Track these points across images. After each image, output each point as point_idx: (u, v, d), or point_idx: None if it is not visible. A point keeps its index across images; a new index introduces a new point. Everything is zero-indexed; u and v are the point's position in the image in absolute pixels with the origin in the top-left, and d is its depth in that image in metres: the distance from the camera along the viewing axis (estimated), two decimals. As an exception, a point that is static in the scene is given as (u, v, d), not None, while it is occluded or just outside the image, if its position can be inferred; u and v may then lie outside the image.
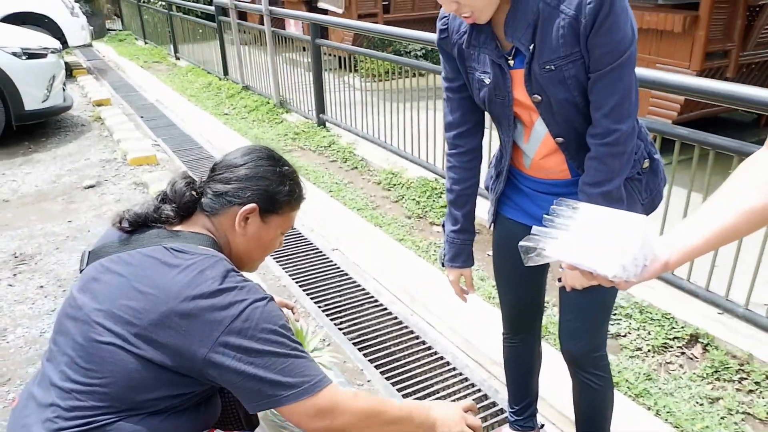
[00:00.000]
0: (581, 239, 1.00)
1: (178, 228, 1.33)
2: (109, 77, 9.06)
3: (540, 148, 1.48)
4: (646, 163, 1.48)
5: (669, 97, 4.70)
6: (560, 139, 1.42)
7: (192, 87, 7.99)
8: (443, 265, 1.73)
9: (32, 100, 5.55)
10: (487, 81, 1.42)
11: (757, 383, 2.17)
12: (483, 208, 1.70)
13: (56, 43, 6.19)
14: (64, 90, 6.14)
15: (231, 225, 1.35)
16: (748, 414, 2.07)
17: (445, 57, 1.52)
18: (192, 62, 9.37)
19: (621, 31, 1.25)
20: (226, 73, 8.01)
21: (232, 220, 1.35)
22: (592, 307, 1.57)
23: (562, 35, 1.27)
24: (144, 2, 12.16)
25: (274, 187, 1.38)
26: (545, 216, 1.08)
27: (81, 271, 1.35)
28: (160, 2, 11.43)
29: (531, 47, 1.31)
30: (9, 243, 3.58)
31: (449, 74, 1.53)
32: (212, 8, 8.26)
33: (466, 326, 2.62)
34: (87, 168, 4.92)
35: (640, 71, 2.52)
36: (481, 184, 1.72)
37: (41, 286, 3.08)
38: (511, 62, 1.37)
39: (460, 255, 1.68)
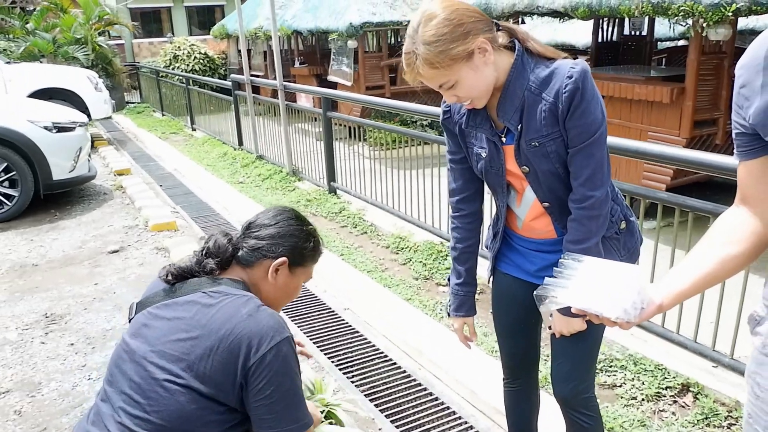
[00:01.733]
0: (587, 287, 1.19)
1: (219, 275, 1.56)
2: (128, 148, 9.51)
3: (530, 211, 1.72)
4: (623, 224, 1.71)
5: (661, 165, 4.98)
6: (546, 204, 1.66)
7: (208, 157, 8.38)
8: (449, 315, 1.94)
9: (60, 170, 5.90)
10: (484, 155, 1.67)
11: (743, 428, 2.32)
12: (485, 268, 1.92)
13: (84, 117, 6.61)
14: (89, 161, 6.52)
15: (263, 275, 1.58)
16: (736, 457, 2.21)
17: (448, 134, 1.79)
18: (208, 133, 9.84)
19: (592, 115, 1.51)
20: (240, 143, 8.43)
21: (265, 272, 1.57)
22: (579, 352, 1.77)
23: (544, 117, 1.53)
24: (162, 76, 12.84)
25: (302, 244, 1.62)
26: (555, 269, 1.29)
27: (130, 320, 1.58)
28: (177, 77, 12.09)
29: (519, 127, 1.57)
30: (40, 304, 3.80)
31: (452, 148, 1.79)
32: (228, 83, 8.77)
33: (471, 378, 2.79)
34: (111, 234, 5.20)
35: (629, 143, 2.80)
36: (482, 244, 1.96)
37: (71, 344, 3.28)
38: (504, 139, 1.63)
39: (463, 305, 1.90)
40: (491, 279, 1.94)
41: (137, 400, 1.40)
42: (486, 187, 1.85)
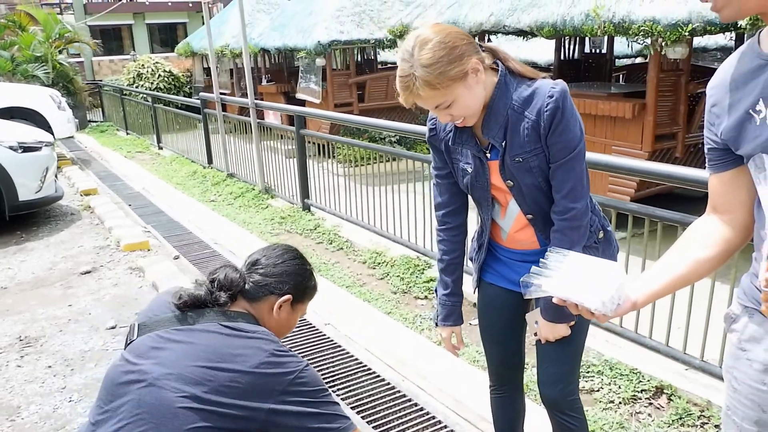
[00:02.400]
0: (570, 279, 1.26)
1: (227, 308, 1.61)
2: (93, 168, 9.36)
3: (514, 223, 1.81)
4: (601, 234, 1.81)
5: (625, 178, 5.17)
6: (530, 216, 1.75)
7: (177, 175, 8.32)
8: (437, 325, 2.00)
9: (26, 191, 5.80)
10: (470, 170, 1.76)
11: (716, 426, 2.44)
12: (466, 283, 1.99)
13: (50, 137, 6.52)
14: (55, 181, 6.41)
15: (268, 310, 1.66)
16: (710, 454, 2.33)
17: (434, 150, 1.86)
18: (175, 152, 9.76)
19: (571, 132, 1.61)
20: (210, 161, 8.39)
21: (270, 307, 1.65)
22: (564, 356, 1.85)
23: (527, 134, 1.63)
24: (126, 95, 12.69)
25: (305, 282, 1.73)
26: (541, 260, 1.34)
27: (129, 341, 1.57)
28: (142, 95, 11.97)
29: (503, 143, 1.66)
30: (12, 327, 3.73)
31: (438, 164, 1.87)
32: (196, 101, 8.75)
33: (454, 388, 2.86)
34: (81, 255, 5.12)
35: (598, 157, 2.93)
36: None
37: (49, 366, 3.23)
38: (488, 155, 1.72)
39: (451, 315, 1.96)
40: (476, 290, 2.02)
41: (146, 420, 1.40)
42: (471, 201, 1.93)
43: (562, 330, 1.77)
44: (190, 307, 1.58)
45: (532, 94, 1.61)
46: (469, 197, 1.90)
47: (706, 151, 1.28)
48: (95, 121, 15.26)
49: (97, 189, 7.52)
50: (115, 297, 4.17)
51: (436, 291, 2.00)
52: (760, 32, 1.15)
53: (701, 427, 2.47)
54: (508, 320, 1.96)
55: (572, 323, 1.76)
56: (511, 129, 1.64)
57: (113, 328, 3.69)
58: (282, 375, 1.45)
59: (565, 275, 1.27)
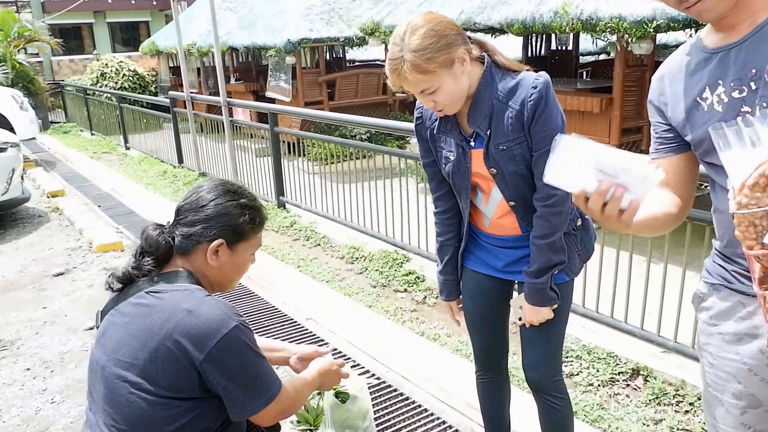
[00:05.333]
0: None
1: (159, 271, 1.54)
2: (59, 169, 9.15)
3: (497, 210, 1.87)
4: (579, 222, 1.88)
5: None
6: (512, 203, 1.81)
7: (147, 176, 8.20)
8: (443, 301, 2.10)
9: (-7, 193, 5.66)
10: (452, 158, 1.81)
11: (691, 404, 2.55)
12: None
13: (15, 137, 6.37)
14: (22, 182, 6.27)
15: (204, 260, 1.54)
16: (687, 430, 2.43)
17: (419, 139, 1.92)
18: (144, 152, 9.62)
19: (553, 121, 1.67)
20: (180, 161, 8.30)
21: (204, 256, 1.53)
22: (546, 339, 1.92)
23: (511, 123, 1.69)
24: (91, 95, 12.43)
25: (236, 221, 1.55)
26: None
27: (98, 328, 1.57)
28: (106, 95, 11.74)
29: (488, 132, 1.72)
30: (-14, 331, 3.65)
31: (423, 152, 1.92)
32: (164, 100, 8.63)
33: (440, 376, 2.92)
34: (53, 257, 5.03)
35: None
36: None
37: (28, 369, 3.18)
38: (472, 143, 1.77)
39: (443, 290, 2.06)
40: (460, 277, 2.07)
41: (107, 409, 1.43)
42: None
43: (546, 313, 1.84)
44: (125, 284, 1.53)
45: (517, 85, 1.67)
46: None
47: (656, 136, 1.36)
48: (58, 122, 14.88)
49: (64, 190, 7.37)
50: (92, 298, 4.12)
51: (438, 273, 2.08)
52: (700, 32, 1.28)
53: (676, 405, 2.58)
54: (491, 306, 2.01)
55: (555, 306, 1.83)
56: (495, 118, 1.70)
57: (91, 329, 3.64)
58: (203, 336, 1.37)
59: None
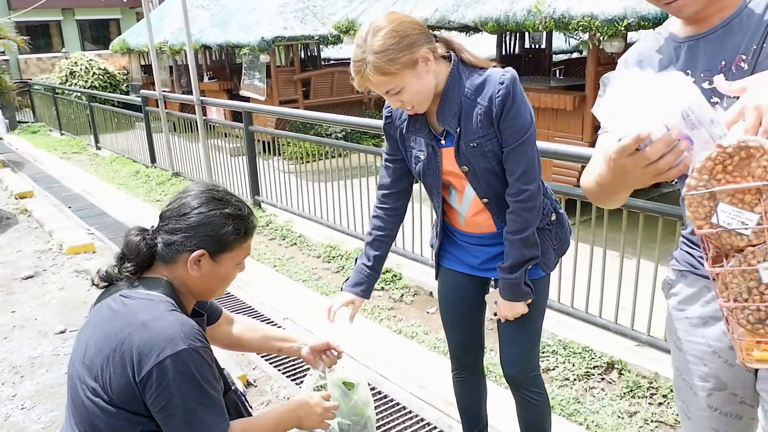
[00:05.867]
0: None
1: (140, 275, 1.47)
2: (27, 170, 8.96)
3: (471, 207, 1.87)
4: (554, 217, 1.89)
5: (569, 165, 5.37)
6: (486, 200, 1.81)
7: (119, 176, 8.07)
8: (342, 289, 1.98)
9: (-42, 195, 5.51)
10: (422, 157, 1.81)
11: (664, 396, 2.60)
12: (422, 272, 2.04)
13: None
14: (-11, 184, 6.12)
15: (185, 270, 1.46)
16: (661, 422, 2.47)
17: (388, 138, 1.91)
18: (115, 152, 9.46)
19: (522, 117, 1.68)
20: (153, 160, 8.18)
21: (186, 265, 1.45)
22: (524, 335, 1.93)
23: (480, 120, 1.69)
24: (59, 94, 12.18)
25: (218, 231, 1.45)
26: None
27: None
28: (76, 94, 11.52)
29: (458, 129, 1.72)
30: (-48, 336, 3.56)
31: (390, 150, 1.92)
32: (136, 99, 8.50)
33: (418, 374, 2.92)
34: (21, 259, 4.91)
35: (542, 144, 3.04)
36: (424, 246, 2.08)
37: (-3, 375, 3.10)
38: (443, 141, 1.77)
39: (361, 284, 1.94)
40: (437, 277, 2.07)
41: (71, 409, 1.41)
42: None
43: (521, 308, 1.85)
44: (108, 283, 1.49)
45: (484, 82, 1.68)
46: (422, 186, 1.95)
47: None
48: (25, 122, 14.57)
49: (33, 192, 7.21)
50: (63, 301, 4.04)
51: (356, 260, 2.00)
52: (668, 20, 1.29)
53: (650, 397, 2.62)
54: (467, 305, 2.02)
55: (529, 301, 1.84)
56: (464, 116, 1.70)
57: (63, 332, 3.57)
58: (146, 352, 1.29)
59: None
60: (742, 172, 0.90)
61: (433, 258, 2.05)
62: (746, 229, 0.92)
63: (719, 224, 0.94)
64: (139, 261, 1.46)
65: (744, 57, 1.12)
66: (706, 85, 1.17)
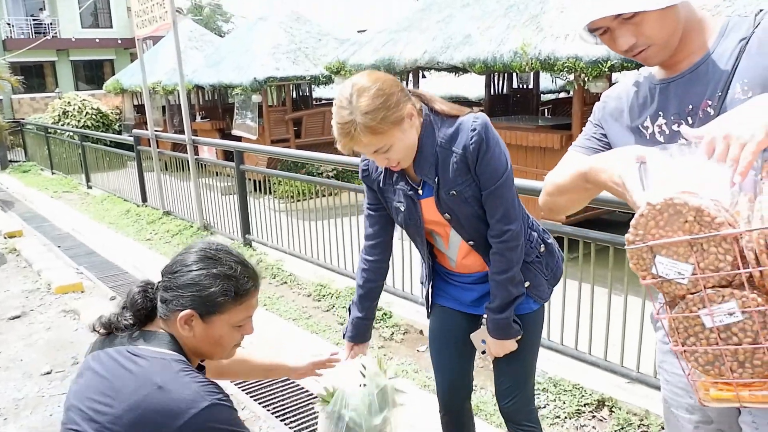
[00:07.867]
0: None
1: (140, 328, 1.45)
2: (17, 209, 8.94)
3: (459, 251, 1.90)
4: (543, 248, 1.91)
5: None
6: (472, 242, 1.84)
7: (109, 215, 8.06)
8: (344, 336, 2.06)
9: (-53, 234, 5.49)
10: (402, 209, 1.84)
11: (655, 434, 2.59)
12: (413, 311, 2.05)
13: (-28, 178, 6.21)
14: (-22, 223, 6.10)
15: (178, 329, 1.42)
16: (652, 461, 2.46)
17: (367, 189, 1.94)
18: (106, 191, 9.47)
19: (497, 160, 1.72)
20: (144, 199, 8.19)
21: (178, 325, 1.41)
22: (517, 369, 1.94)
23: (456, 168, 1.72)
24: (52, 133, 12.24)
25: (205, 292, 1.40)
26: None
27: None
28: (68, 133, 11.58)
29: (436, 179, 1.75)
30: (-64, 378, 3.50)
31: (371, 200, 1.94)
32: (128, 138, 8.56)
33: (407, 412, 2.89)
34: (9, 299, 4.87)
35: (530, 183, 3.10)
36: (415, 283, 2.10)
37: (-20, 418, 3.05)
38: (420, 192, 1.80)
39: (363, 334, 2.04)
40: (429, 314, 2.08)
41: None
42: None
43: (510, 345, 1.86)
44: (107, 332, 1.46)
45: (457, 130, 1.71)
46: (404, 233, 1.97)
47: (591, 134, 1.43)
48: (17, 161, 14.58)
49: (23, 231, 7.18)
50: (49, 341, 3.99)
51: (349, 310, 2.04)
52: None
53: (641, 435, 2.61)
54: (460, 343, 2.02)
55: (518, 338, 1.85)
56: (441, 165, 1.73)
57: (48, 373, 3.52)
58: (170, 415, 1.27)
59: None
60: (673, 226, 0.96)
61: (424, 299, 2.07)
62: (683, 278, 0.98)
63: (659, 275, 1.00)
64: (139, 314, 1.45)
65: (710, 102, 1.17)
66: (675, 127, 1.22)
